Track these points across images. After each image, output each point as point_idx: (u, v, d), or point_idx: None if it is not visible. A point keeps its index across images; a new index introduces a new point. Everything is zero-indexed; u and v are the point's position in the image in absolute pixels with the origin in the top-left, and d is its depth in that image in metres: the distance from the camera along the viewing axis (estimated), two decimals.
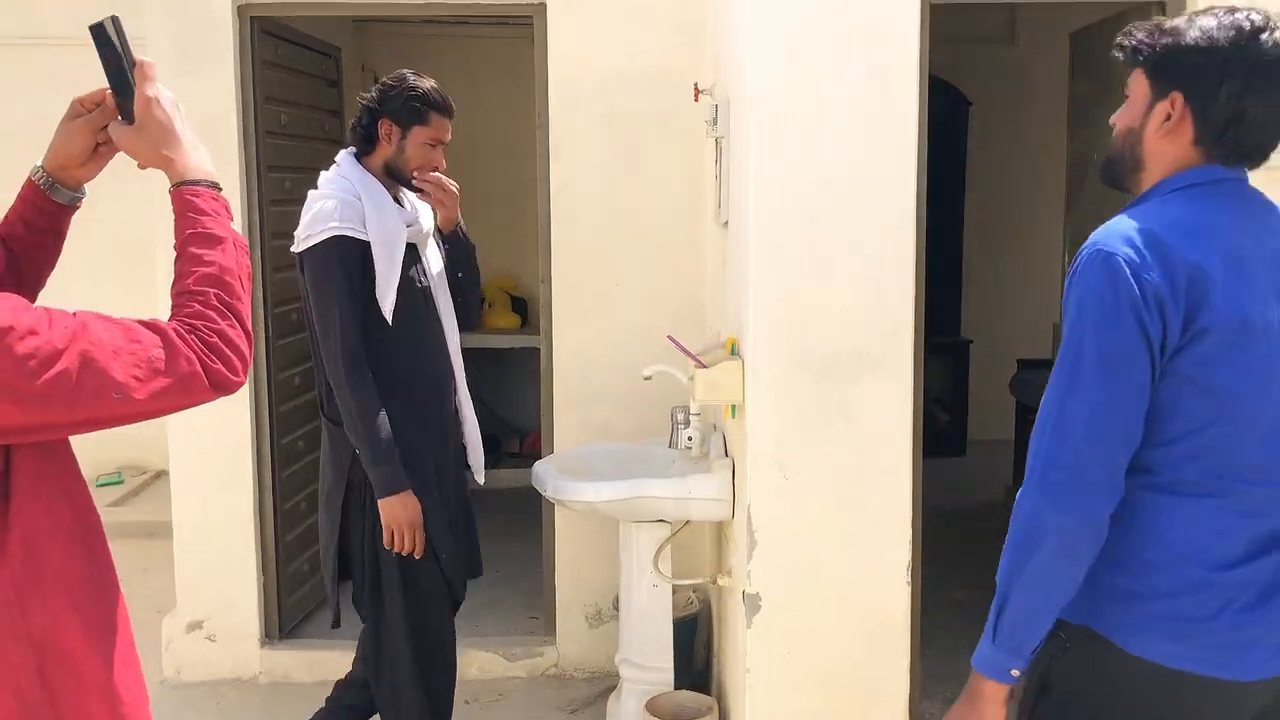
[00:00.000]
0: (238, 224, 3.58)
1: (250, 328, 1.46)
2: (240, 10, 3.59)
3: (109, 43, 1.43)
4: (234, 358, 1.40)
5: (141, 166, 1.50)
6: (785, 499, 2.69)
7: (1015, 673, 1.57)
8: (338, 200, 2.61)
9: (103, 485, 5.93)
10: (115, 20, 1.44)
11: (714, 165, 3.26)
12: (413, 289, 2.71)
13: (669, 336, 2.97)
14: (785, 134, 2.62)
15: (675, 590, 3.34)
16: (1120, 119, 1.64)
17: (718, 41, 3.36)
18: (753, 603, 2.72)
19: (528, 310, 5.95)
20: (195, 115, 3.59)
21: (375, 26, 5.70)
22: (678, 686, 3.18)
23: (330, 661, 3.77)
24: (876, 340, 2.66)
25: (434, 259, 2.82)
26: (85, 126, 1.50)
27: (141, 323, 1.35)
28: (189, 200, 1.44)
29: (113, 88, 1.46)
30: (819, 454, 2.69)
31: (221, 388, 1.40)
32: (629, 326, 3.66)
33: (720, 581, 3.18)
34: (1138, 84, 1.60)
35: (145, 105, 1.44)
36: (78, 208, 1.58)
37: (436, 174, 2.73)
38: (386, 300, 2.61)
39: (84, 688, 1.38)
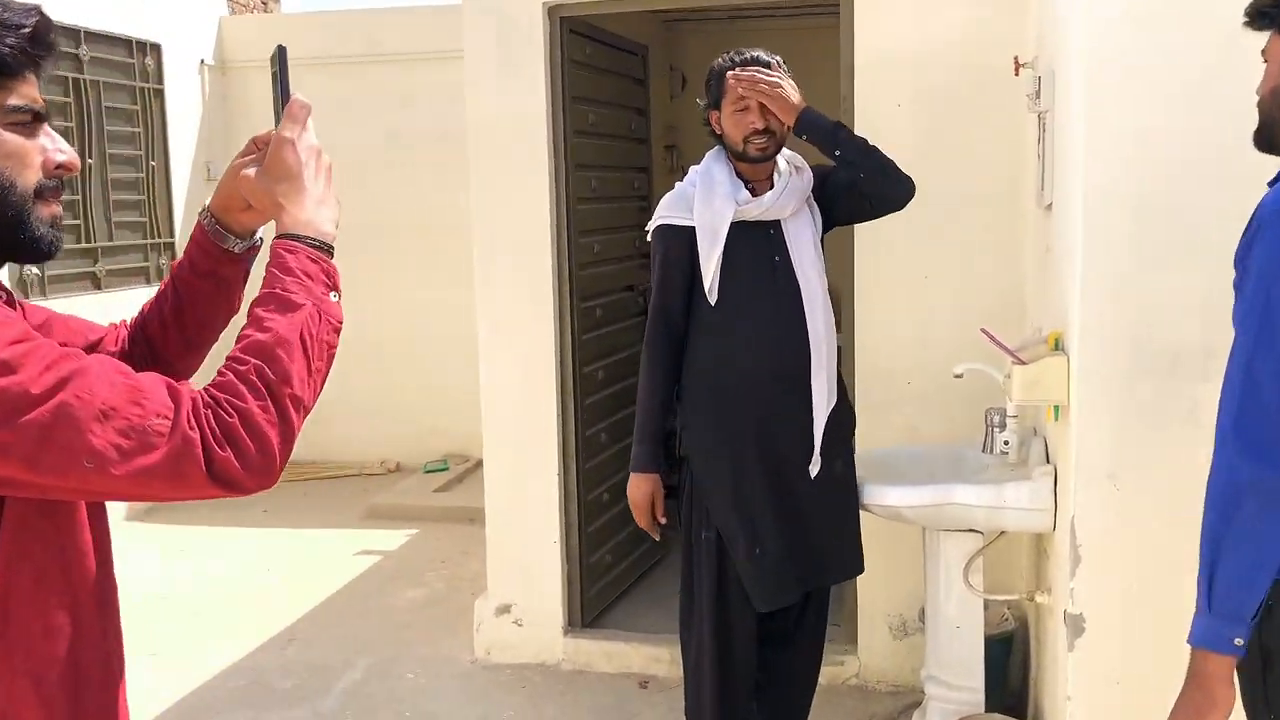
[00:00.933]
0: (544, 221, 3.73)
1: (298, 418, 1.16)
2: (550, 11, 3.68)
3: (274, 76, 1.31)
4: (251, 447, 1.10)
5: (259, 213, 1.32)
6: (1115, 511, 2.41)
7: (1239, 642, 1.52)
8: (676, 191, 2.75)
9: (429, 472, 6.33)
10: (280, 51, 1.32)
11: (1036, 144, 2.99)
12: (746, 272, 2.67)
13: (983, 330, 2.75)
14: (1120, 106, 2.34)
15: (987, 606, 3.10)
16: (1263, 85, 1.67)
17: (1042, 8, 3.08)
18: (1075, 624, 2.46)
19: (838, 305, 5.78)
20: (510, 117, 3.80)
21: (683, 24, 5.74)
22: (989, 709, 2.94)
23: (630, 654, 3.81)
24: (1230, 334, 2.32)
25: (798, 233, 2.70)
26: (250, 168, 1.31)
27: (170, 384, 1.10)
28: (280, 256, 1.22)
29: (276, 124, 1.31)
30: (1156, 462, 2.38)
31: (226, 483, 1.09)
32: (939, 321, 3.44)
33: (1038, 599, 2.91)
34: (1274, 47, 1.64)
35: (277, 145, 1.26)
36: (250, 256, 1.41)
37: (740, 77, 2.63)
38: (707, 285, 2.66)
39: None
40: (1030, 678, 3.28)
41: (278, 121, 1.28)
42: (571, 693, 3.72)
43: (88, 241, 5.58)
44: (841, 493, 2.79)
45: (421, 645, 4.15)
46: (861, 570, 2.90)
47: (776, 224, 2.70)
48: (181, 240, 6.25)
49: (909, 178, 2.71)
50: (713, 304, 2.69)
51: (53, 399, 1.02)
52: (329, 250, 1.25)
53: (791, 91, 2.64)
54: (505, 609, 3.92)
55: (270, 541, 5.47)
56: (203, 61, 6.50)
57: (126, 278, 5.87)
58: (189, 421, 1.07)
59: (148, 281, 6.03)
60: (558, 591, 3.88)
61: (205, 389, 1.12)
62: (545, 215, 3.73)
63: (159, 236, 6.12)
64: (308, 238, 1.23)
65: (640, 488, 2.75)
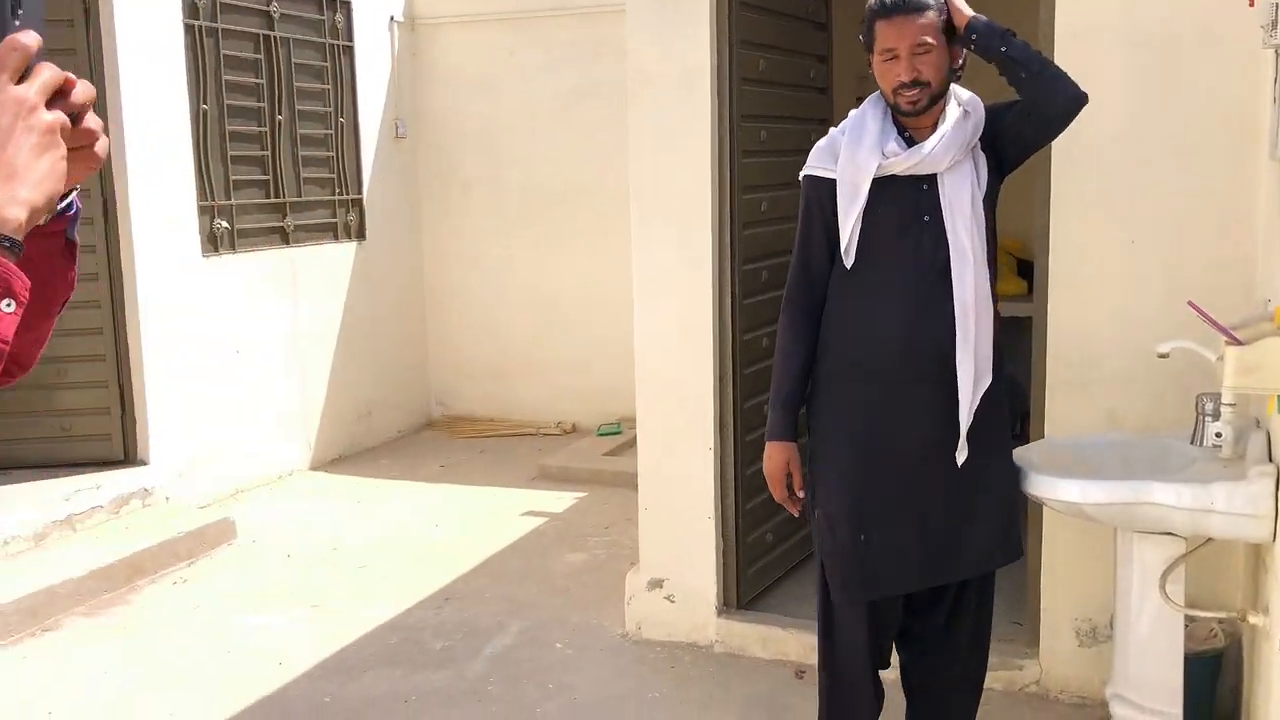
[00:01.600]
0: (704, 176, 3.49)
1: None
2: None
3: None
4: None
5: None
6: None
7: None
8: (827, 138, 2.52)
9: (602, 434, 6.23)
10: None
11: (1271, 85, 2.54)
12: (889, 232, 2.38)
13: (1190, 303, 2.35)
14: None
15: (1190, 621, 2.70)
16: None
17: None
18: None
19: (1029, 270, 5.30)
20: (671, 63, 3.57)
21: None
22: None
23: (787, 640, 3.58)
24: None
25: (956, 189, 2.36)
26: None
27: None
28: None
29: None
30: None
31: None
32: (1147, 292, 3.01)
33: (1252, 620, 2.50)
34: None
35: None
36: (60, 227, 1.13)
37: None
38: (843, 245, 2.42)
39: None
40: (1243, 706, 2.86)
41: None
42: (722, 677, 3.52)
43: (276, 197, 5.71)
44: (992, 481, 2.46)
45: (575, 613, 4.04)
46: (1015, 557, 2.54)
47: (931, 179, 2.38)
48: (369, 198, 6.34)
49: (1079, 89, 2.34)
50: (848, 266, 2.42)
51: None
52: (7, 245, 0.93)
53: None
54: (657, 584, 3.76)
55: (441, 497, 5.49)
56: (392, 18, 6.54)
57: (314, 234, 6.00)
58: None
59: (335, 238, 6.14)
60: (712, 569, 3.68)
61: None
62: (706, 170, 3.50)
63: (347, 193, 6.21)
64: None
65: (774, 458, 2.54)
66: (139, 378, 4.94)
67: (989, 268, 2.40)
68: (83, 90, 0.97)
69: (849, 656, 2.56)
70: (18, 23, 0.96)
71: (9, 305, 0.94)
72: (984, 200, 2.40)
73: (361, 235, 6.33)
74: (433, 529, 5.03)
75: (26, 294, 0.94)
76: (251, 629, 3.98)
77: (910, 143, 2.39)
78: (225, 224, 5.37)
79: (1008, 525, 2.50)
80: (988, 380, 2.39)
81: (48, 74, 0.94)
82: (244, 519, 5.07)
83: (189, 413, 5.18)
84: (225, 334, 5.39)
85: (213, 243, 5.33)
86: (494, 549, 4.73)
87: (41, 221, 1.04)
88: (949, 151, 2.34)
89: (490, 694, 3.47)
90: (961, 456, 2.40)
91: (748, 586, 3.76)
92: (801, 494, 2.58)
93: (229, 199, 5.40)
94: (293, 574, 4.51)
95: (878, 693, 2.63)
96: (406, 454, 6.32)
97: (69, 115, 0.95)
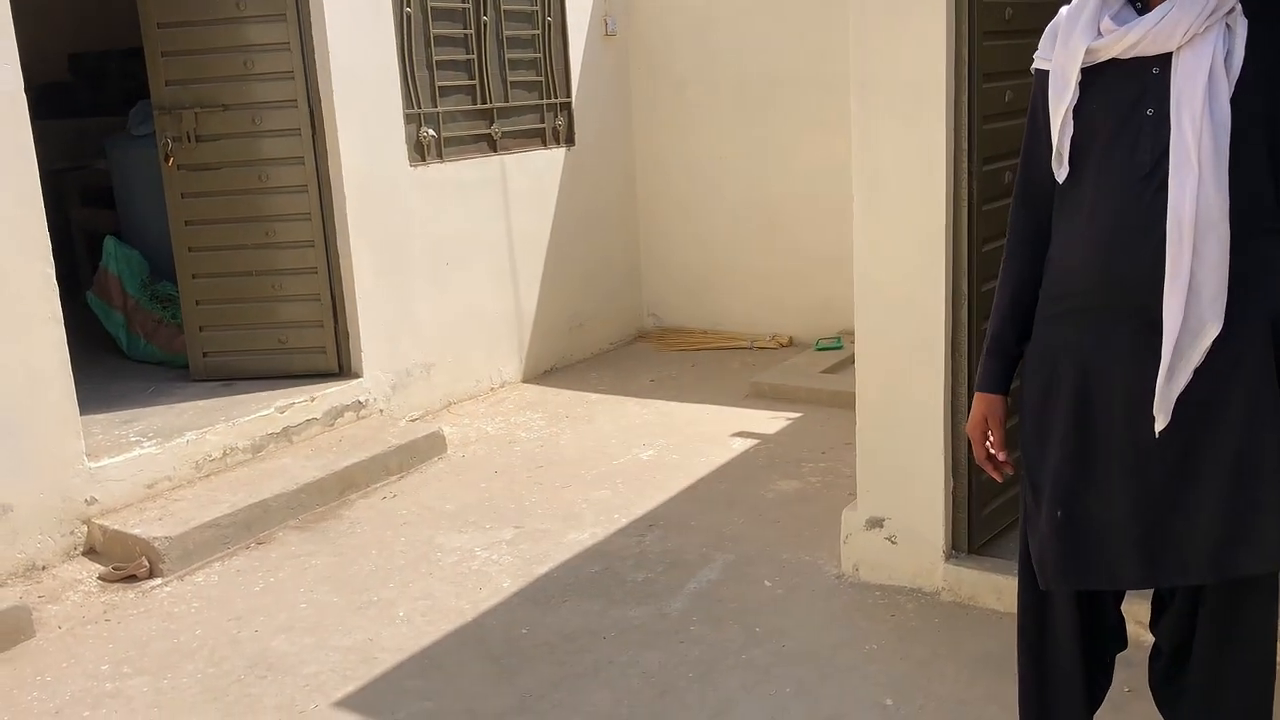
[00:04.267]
0: (937, 61, 3.00)
1: None
2: None
3: None
4: None
5: None
6: None
7: None
8: (1055, 17, 2.00)
9: (821, 349, 5.85)
10: None
11: None
12: (1101, 134, 1.88)
13: None
14: None
15: None
16: None
17: None
18: None
19: None
20: (896, 14, 3.07)
21: None
22: None
23: None
24: None
25: (1191, 72, 1.78)
26: None
27: None
28: None
29: None
30: None
31: None
32: None
33: None
34: None
35: None
36: None
37: None
38: (1054, 154, 1.95)
39: None
40: None
41: None
42: (948, 630, 3.15)
43: (483, 103, 5.53)
44: (1258, 463, 1.85)
45: (786, 548, 3.74)
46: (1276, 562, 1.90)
47: (1164, 60, 1.82)
48: (578, 101, 6.09)
49: None
50: (1059, 180, 1.95)
51: None
52: None
53: None
54: (877, 523, 3.40)
55: (650, 414, 5.28)
56: None
57: (522, 140, 5.81)
58: None
59: (543, 144, 5.94)
60: (940, 509, 3.29)
61: None
62: (940, 54, 3.02)
63: (555, 97, 5.98)
64: None
65: (973, 411, 2.18)
66: (350, 290, 4.92)
67: (1254, 181, 1.81)
68: None
69: (1047, 643, 2.15)
70: None
71: None
72: (1245, 87, 1.78)
73: (570, 140, 6.10)
74: (639, 449, 4.83)
75: None
76: (453, 550, 3.89)
77: (1144, 12, 1.85)
78: (432, 132, 5.24)
79: (1269, 520, 1.86)
80: (1215, 328, 1.80)
81: None
82: (454, 433, 5.03)
83: (400, 325, 5.14)
84: (434, 245, 5.30)
85: (419, 152, 5.21)
86: (701, 473, 4.48)
87: None
88: (1182, 20, 1.77)
89: (691, 634, 3.24)
90: (1160, 423, 1.85)
91: (980, 529, 3.36)
92: (1003, 456, 2.18)
93: (435, 106, 5.26)
94: (498, 491, 4.41)
95: (1091, 691, 2.19)
96: (617, 367, 6.14)
97: None
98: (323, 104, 4.76)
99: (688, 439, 4.90)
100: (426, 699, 2.97)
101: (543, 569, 3.71)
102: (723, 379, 5.76)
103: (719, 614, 3.35)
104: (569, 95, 6.06)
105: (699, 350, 6.34)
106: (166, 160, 4.82)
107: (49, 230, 3.81)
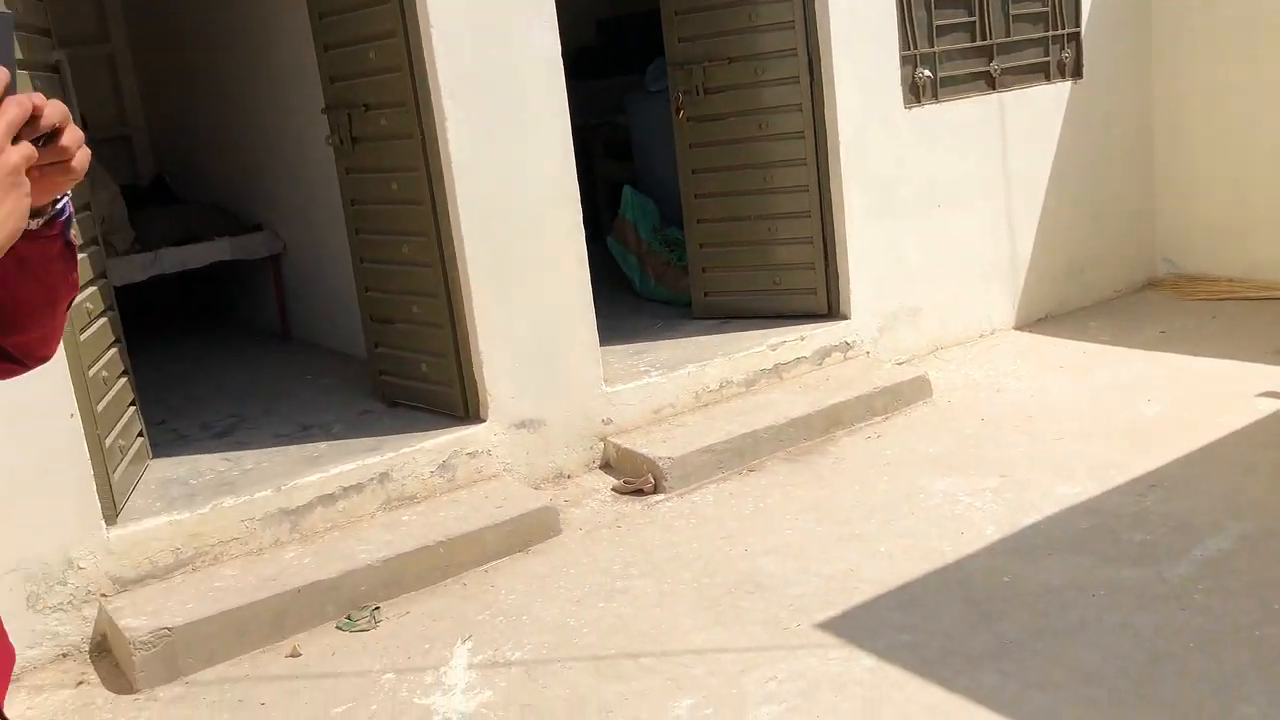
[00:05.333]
0: None
1: None
2: None
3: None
4: None
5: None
6: None
7: None
8: None
9: None
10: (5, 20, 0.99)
11: None
12: None
13: None
14: None
15: None
16: None
17: None
18: None
19: None
20: None
21: None
22: None
23: None
24: None
25: None
26: None
27: None
28: None
29: None
30: None
31: None
32: None
33: None
34: None
35: None
36: (56, 232, 1.13)
37: None
38: None
39: None
40: None
41: None
42: None
43: (982, 39, 5.34)
44: None
45: None
46: None
47: None
48: (1088, 31, 5.69)
49: None
50: None
51: None
52: None
53: None
54: None
55: (1157, 367, 4.88)
56: None
57: (1022, 76, 5.54)
58: None
59: (1046, 79, 5.62)
60: None
61: None
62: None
63: (1062, 28, 5.63)
64: None
65: None
66: (840, 233, 5.01)
67: None
68: (53, 111, 0.99)
69: None
70: None
71: None
72: None
73: (1077, 73, 5.72)
74: (1143, 404, 4.48)
75: None
76: (936, 493, 3.89)
77: None
78: (928, 73, 5.17)
79: None
80: None
81: (13, 112, 0.94)
82: (940, 378, 4.98)
83: (889, 268, 5.16)
84: (925, 188, 5.24)
85: (914, 93, 5.16)
86: (1215, 434, 4.07)
87: (34, 227, 1.09)
88: None
89: (1195, 603, 2.99)
90: None
91: None
92: None
93: (931, 46, 5.17)
94: (984, 439, 4.33)
95: None
96: (1121, 316, 5.71)
97: (46, 132, 0.98)
98: (820, 50, 4.87)
99: (1202, 396, 4.47)
100: (905, 631, 3.02)
101: (1028, 519, 3.60)
102: (1250, 333, 5.16)
103: (1229, 585, 3.06)
104: (1078, 25, 5.67)
105: (1222, 300, 5.72)
106: (677, 113, 5.20)
107: (577, 181, 4.29)
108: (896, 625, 3.07)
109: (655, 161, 6.05)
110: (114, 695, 3.16)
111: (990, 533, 3.53)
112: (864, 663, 2.90)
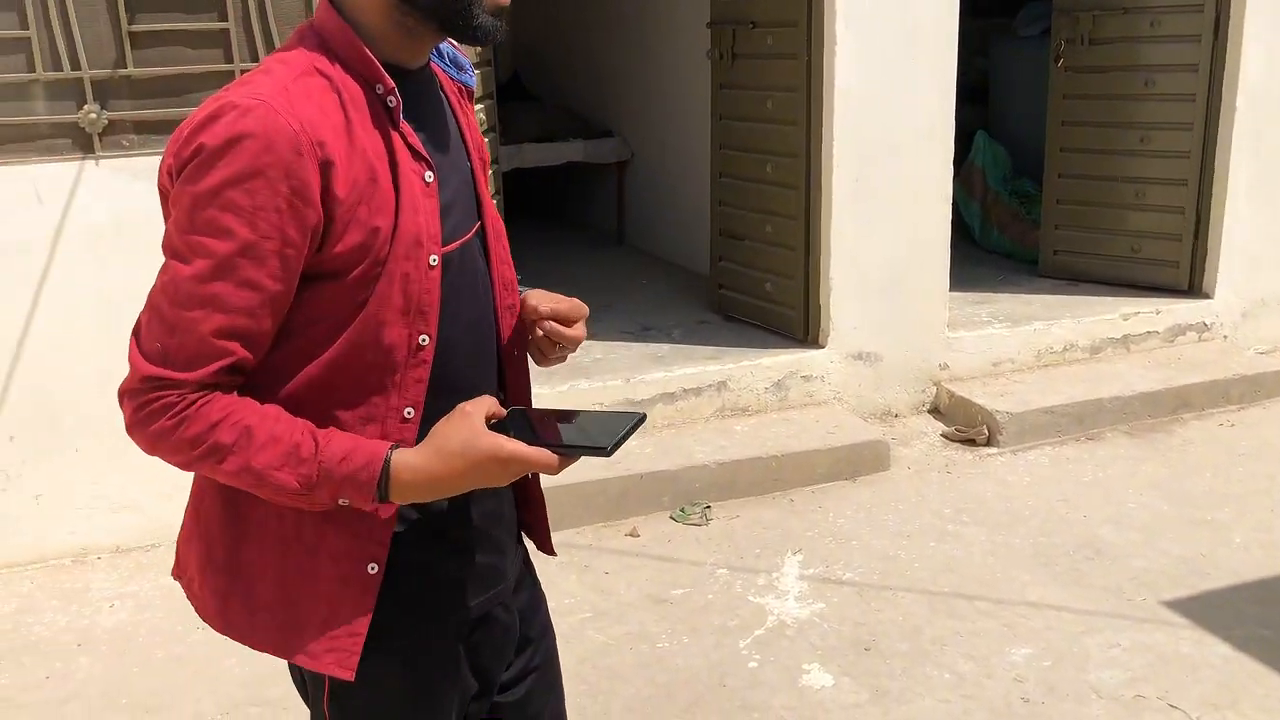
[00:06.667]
0: None
1: (175, 455, 1.16)
2: None
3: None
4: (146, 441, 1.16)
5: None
6: None
7: None
8: None
9: None
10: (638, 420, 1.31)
11: None
12: None
13: None
14: None
15: None
16: None
17: None
18: None
19: None
20: None
21: None
22: None
23: None
24: None
25: None
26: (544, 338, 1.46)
27: (224, 356, 1.14)
28: (357, 451, 1.16)
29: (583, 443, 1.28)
30: None
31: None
32: None
33: None
34: None
35: (492, 448, 1.17)
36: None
37: None
38: None
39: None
40: None
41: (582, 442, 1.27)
42: None
43: None
44: None
45: None
46: None
47: None
48: None
49: None
50: None
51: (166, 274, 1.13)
52: (379, 494, 1.16)
53: None
54: None
55: None
56: None
57: None
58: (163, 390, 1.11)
59: None
60: None
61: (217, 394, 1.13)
62: None
63: None
64: (387, 483, 1.16)
65: None
66: (1219, 208, 4.69)
67: None
68: (576, 335, 1.44)
69: None
70: None
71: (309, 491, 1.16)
72: None
73: None
74: None
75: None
76: None
77: None
78: None
79: None
80: None
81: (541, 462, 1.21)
82: None
83: (1266, 249, 4.79)
84: None
85: None
86: None
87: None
88: None
89: None
90: None
91: None
92: None
93: None
94: None
95: None
96: None
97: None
98: (1232, 7, 4.52)
99: None
100: (1265, 627, 2.88)
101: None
102: None
103: None
104: None
105: None
106: (1056, 61, 4.98)
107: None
108: (1256, 620, 2.92)
109: (1013, 109, 5.84)
110: None
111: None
112: (1219, 649, 2.79)
